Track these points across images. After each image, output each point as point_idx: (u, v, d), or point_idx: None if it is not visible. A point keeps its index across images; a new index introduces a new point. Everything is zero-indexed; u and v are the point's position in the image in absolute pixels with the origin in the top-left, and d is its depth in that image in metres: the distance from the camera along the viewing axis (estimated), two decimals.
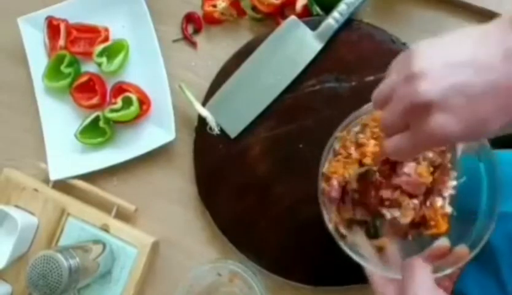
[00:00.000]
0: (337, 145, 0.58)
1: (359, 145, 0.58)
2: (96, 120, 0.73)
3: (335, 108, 0.68)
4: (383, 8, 0.71)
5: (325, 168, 0.58)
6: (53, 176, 0.74)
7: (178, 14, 0.75)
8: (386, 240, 0.57)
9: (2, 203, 0.72)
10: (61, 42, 0.75)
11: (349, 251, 0.55)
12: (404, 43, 0.68)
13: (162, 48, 0.73)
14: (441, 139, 0.39)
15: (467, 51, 0.38)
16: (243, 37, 0.73)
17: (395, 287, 0.50)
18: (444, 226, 0.55)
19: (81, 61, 0.76)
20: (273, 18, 0.72)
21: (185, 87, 0.72)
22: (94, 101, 0.74)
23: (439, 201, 0.55)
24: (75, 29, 0.75)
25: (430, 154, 0.55)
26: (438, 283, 0.51)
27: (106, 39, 0.75)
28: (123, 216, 0.73)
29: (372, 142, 0.56)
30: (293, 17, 0.70)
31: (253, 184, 0.69)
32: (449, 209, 0.56)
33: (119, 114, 0.71)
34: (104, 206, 0.73)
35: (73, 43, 0.76)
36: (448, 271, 0.51)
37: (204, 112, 0.70)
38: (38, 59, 0.77)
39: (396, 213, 0.55)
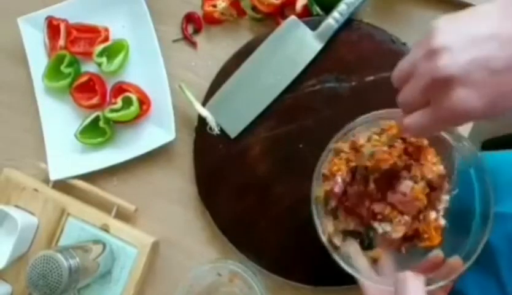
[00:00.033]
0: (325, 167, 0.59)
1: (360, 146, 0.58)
2: (96, 120, 0.73)
3: (335, 108, 0.68)
4: (383, 8, 0.71)
5: (326, 168, 0.59)
6: (53, 176, 0.74)
7: (178, 14, 0.75)
8: (380, 251, 0.57)
9: (2, 203, 0.72)
10: (61, 42, 0.75)
11: (342, 263, 0.55)
12: (404, 43, 0.68)
13: (162, 48, 0.73)
14: (462, 115, 0.38)
15: (492, 24, 0.38)
16: (243, 37, 0.73)
17: None
18: (437, 239, 0.55)
19: (81, 61, 0.76)
20: (273, 18, 0.72)
21: (185, 87, 0.72)
22: (94, 101, 0.74)
23: (432, 215, 0.55)
24: (75, 29, 0.75)
25: (430, 175, 0.55)
26: (432, 293, 0.51)
27: (106, 39, 0.75)
28: (123, 216, 0.73)
29: (381, 147, 0.55)
30: (293, 17, 0.70)
31: (253, 184, 0.69)
32: (442, 221, 0.56)
33: (119, 114, 0.71)
34: (104, 206, 0.73)
35: (73, 43, 0.76)
36: (442, 283, 0.51)
37: (204, 112, 0.70)
38: (38, 59, 0.77)
39: (388, 228, 0.55)
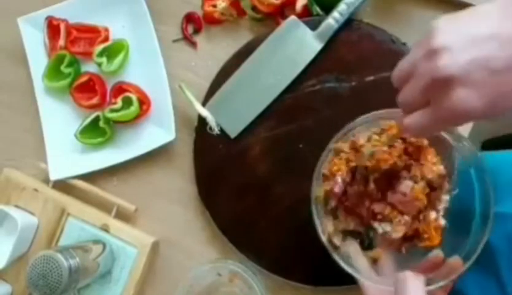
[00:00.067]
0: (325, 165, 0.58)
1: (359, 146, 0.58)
2: (96, 120, 0.73)
3: (335, 108, 0.68)
4: (383, 8, 0.71)
5: (326, 168, 0.59)
6: (53, 176, 0.74)
7: (178, 14, 0.75)
8: (380, 251, 0.57)
9: (2, 203, 0.72)
10: (61, 42, 0.75)
11: (342, 263, 0.55)
12: (404, 43, 0.68)
13: (162, 48, 0.73)
14: (462, 115, 0.38)
15: (492, 24, 0.38)
16: (243, 37, 0.73)
17: None
18: (437, 239, 0.55)
19: (81, 61, 0.76)
20: (273, 18, 0.72)
21: (185, 87, 0.72)
22: (94, 101, 0.74)
23: (432, 215, 0.55)
24: (75, 29, 0.75)
25: (430, 175, 0.55)
26: (432, 293, 0.51)
27: (106, 39, 0.75)
28: (123, 216, 0.73)
29: (381, 147, 0.55)
30: (293, 17, 0.70)
31: (253, 184, 0.69)
32: (442, 221, 0.56)
33: (119, 114, 0.71)
34: (104, 206, 0.73)
35: (73, 43, 0.76)
36: (442, 283, 0.51)
37: (204, 112, 0.70)
38: (38, 59, 0.77)
39: (388, 228, 0.55)
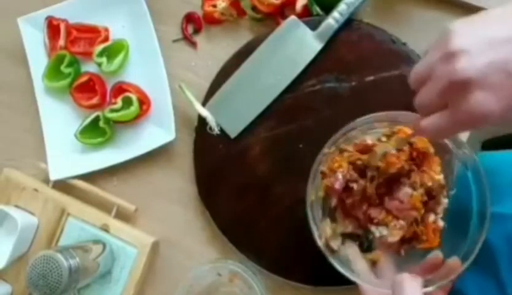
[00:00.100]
0: (324, 165, 0.58)
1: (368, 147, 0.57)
2: (96, 120, 0.73)
3: (335, 108, 0.68)
4: (383, 8, 0.71)
5: (325, 166, 0.58)
6: (53, 176, 0.74)
7: (178, 14, 0.75)
8: (379, 253, 0.57)
9: (2, 203, 0.72)
10: (61, 42, 0.75)
11: (340, 267, 0.55)
12: (404, 43, 0.68)
13: (162, 48, 0.73)
14: (480, 118, 0.38)
15: (508, 28, 0.38)
16: (243, 37, 0.73)
17: None
18: (436, 240, 0.55)
19: (81, 61, 0.76)
20: (273, 18, 0.72)
21: (185, 87, 0.72)
22: (94, 101, 0.74)
23: (431, 217, 0.56)
24: (75, 29, 0.75)
25: (430, 183, 0.54)
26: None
27: (106, 39, 0.75)
28: (123, 216, 0.73)
29: (391, 150, 0.55)
30: (293, 17, 0.70)
31: (253, 184, 0.69)
32: (441, 223, 0.56)
33: (119, 114, 0.71)
34: (104, 206, 0.73)
35: (73, 43, 0.76)
36: (440, 284, 0.51)
37: (204, 112, 0.70)
38: (38, 59, 0.77)
39: (384, 231, 0.55)
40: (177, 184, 0.73)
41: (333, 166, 0.58)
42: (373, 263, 0.57)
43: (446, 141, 0.56)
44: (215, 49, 0.74)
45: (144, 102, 0.73)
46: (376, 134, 0.59)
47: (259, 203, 0.69)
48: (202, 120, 0.71)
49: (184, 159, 0.73)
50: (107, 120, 0.73)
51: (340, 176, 0.57)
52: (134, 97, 0.71)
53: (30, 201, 0.72)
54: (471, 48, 0.38)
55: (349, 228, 0.58)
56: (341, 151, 0.58)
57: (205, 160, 0.71)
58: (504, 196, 0.54)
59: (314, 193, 0.59)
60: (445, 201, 0.56)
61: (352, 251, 0.57)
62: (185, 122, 0.73)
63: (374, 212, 0.56)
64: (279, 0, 0.70)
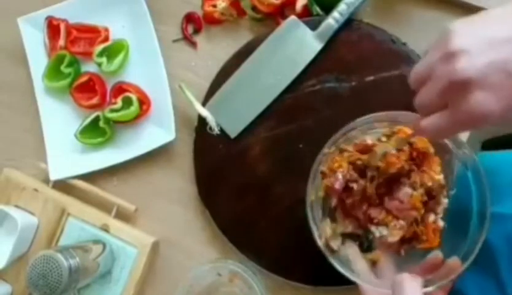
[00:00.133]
0: (324, 165, 0.58)
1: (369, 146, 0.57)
2: (96, 120, 0.73)
3: (335, 108, 0.68)
4: (383, 8, 0.71)
5: (325, 166, 0.58)
6: (53, 176, 0.74)
7: (178, 14, 0.75)
8: (380, 253, 0.57)
9: (2, 203, 0.72)
10: (61, 42, 0.75)
11: (340, 267, 0.55)
12: (404, 43, 0.68)
13: (162, 48, 0.73)
14: (480, 118, 0.38)
15: (508, 28, 0.38)
16: (243, 37, 0.73)
17: None
18: (436, 240, 0.55)
19: (81, 61, 0.76)
20: (273, 18, 0.72)
21: (185, 87, 0.72)
22: (94, 101, 0.74)
23: (431, 217, 0.55)
24: (75, 29, 0.75)
25: (430, 183, 0.54)
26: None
27: (106, 39, 0.75)
28: (123, 216, 0.73)
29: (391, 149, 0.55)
30: (293, 17, 0.70)
31: (253, 184, 0.69)
32: (441, 223, 0.56)
33: (119, 114, 0.71)
34: (104, 206, 0.73)
35: (73, 43, 0.76)
36: (440, 283, 0.51)
37: (204, 112, 0.70)
38: (38, 59, 0.77)
39: (384, 231, 0.55)
40: (177, 184, 0.73)
41: (333, 166, 0.58)
42: (373, 263, 0.57)
43: (446, 141, 0.56)
44: (215, 49, 0.74)
45: (144, 102, 0.73)
46: (376, 134, 0.59)
47: (259, 203, 0.69)
48: (202, 120, 0.71)
49: (184, 159, 0.73)
50: (107, 120, 0.73)
51: (340, 176, 0.57)
52: (134, 97, 0.71)
53: (30, 201, 0.72)
54: (471, 48, 0.38)
55: (349, 228, 0.58)
56: (341, 151, 0.58)
57: (205, 160, 0.71)
58: (504, 196, 0.54)
59: (314, 193, 0.59)
60: (445, 201, 0.56)
61: (352, 251, 0.57)
62: (185, 122, 0.73)
63: (374, 212, 0.56)
64: (279, 0, 0.70)
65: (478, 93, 0.38)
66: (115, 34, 0.76)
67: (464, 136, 0.62)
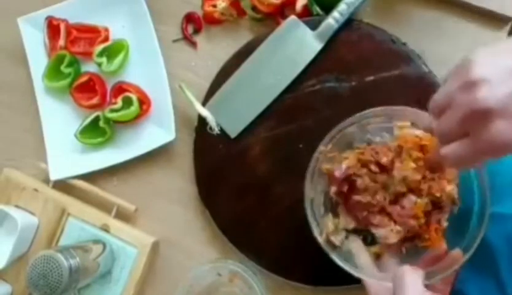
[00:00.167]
0: (323, 163, 0.58)
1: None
2: (96, 120, 0.73)
3: (335, 108, 0.68)
4: (383, 8, 0.71)
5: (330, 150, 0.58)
6: (53, 176, 0.74)
7: (178, 14, 0.75)
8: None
9: (2, 203, 0.72)
10: (61, 42, 0.75)
11: (341, 263, 0.55)
12: (404, 43, 0.68)
13: (162, 48, 0.73)
14: (501, 147, 0.39)
15: None
16: (243, 37, 0.73)
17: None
18: (438, 239, 0.55)
19: (81, 61, 0.76)
20: (273, 18, 0.72)
21: (185, 87, 0.72)
22: (94, 101, 0.74)
23: (434, 217, 0.55)
24: (75, 29, 0.75)
25: (438, 194, 0.54)
26: (434, 286, 0.51)
27: (106, 39, 0.75)
28: (123, 216, 0.73)
29: (410, 165, 0.54)
30: (293, 17, 0.70)
31: (253, 184, 0.69)
32: (444, 224, 0.55)
33: (119, 113, 0.71)
34: (104, 206, 0.73)
35: (73, 43, 0.76)
36: (444, 274, 0.51)
37: (204, 112, 0.70)
38: (38, 59, 0.77)
39: (382, 233, 0.55)
40: (177, 184, 0.73)
41: (342, 157, 0.57)
42: (378, 257, 0.57)
43: None
44: (215, 49, 0.74)
45: (144, 102, 0.73)
46: (378, 136, 0.59)
47: (259, 203, 0.69)
48: (202, 120, 0.71)
49: (184, 159, 0.73)
50: (107, 120, 0.73)
51: (343, 166, 0.56)
52: (134, 97, 0.71)
53: (30, 201, 0.72)
54: (492, 77, 0.38)
55: (352, 224, 0.58)
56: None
57: (205, 160, 0.71)
58: (504, 196, 0.54)
59: (313, 191, 0.58)
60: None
61: (355, 244, 0.57)
62: (185, 122, 0.73)
63: (372, 217, 0.56)
64: (279, 0, 0.70)
65: (499, 122, 0.38)
66: (115, 34, 0.76)
67: None
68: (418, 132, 0.56)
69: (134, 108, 0.71)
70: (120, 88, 0.73)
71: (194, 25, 0.76)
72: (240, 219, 0.69)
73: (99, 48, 0.73)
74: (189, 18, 0.75)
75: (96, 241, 0.70)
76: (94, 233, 0.71)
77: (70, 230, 0.72)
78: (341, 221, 0.58)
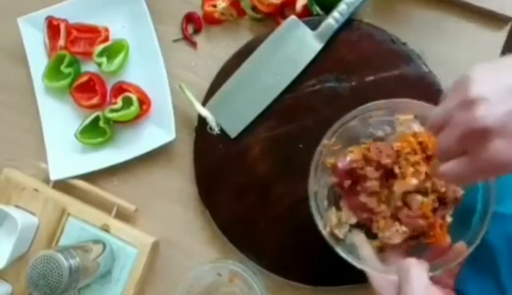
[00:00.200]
0: (325, 156, 0.58)
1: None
2: (96, 120, 0.73)
3: (335, 108, 0.68)
4: (383, 8, 0.71)
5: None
6: (53, 176, 0.74)
7: (178, 14, 0.75)
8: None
9: (2, 203, 0.72)
10: (61, 42, 0.75)
11: (345, 256, 0.55)
12: (404, 43, 0.68)
13: (162, 48, 0.73)
14: (500, 166, 0.38)
15: None
16: (243, 37, 0.73)
17: (395, 287, 0.50)
18: (443, 236, 0.54)
19: (81, 61, 0.76)
20: (273, 18, 0.72)
21: (185, 87, 0.72)
22: (94, 101, 0.74)
23: (440, 213, 0.55)
24: (75, 29, 0.75)
25: (443, 189, 0.54)
26: (439, 279, 0.51)
27: (106, 39, 0.75)
28: (123, 216, 0.73)
29: (410, 170, 0.54)
30: (293, 17, 0.70)
31: (253, 184, 0.69)
32: (449, 219, 0.55)
33: (119, 113, 0.71)
34: (104, 206, 0.73)
35: (73, 43, 0.76)
36: (447, 266, 0.51)
37: (204, 112, 0.70)
38: (38, 59, 0.77)
39: (386, 234, 0.55)
40: (177, 184, 0.73)
41: (348, 151, 0.57)
42: (380, 250, 0.57)
43: None
44: (215, 49, 0.74)
45: (144, 102, 0.73)
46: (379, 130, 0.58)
47: (259, 203, 0.69)
48: (202, 120, 0.71)
49: (184, 159, 0.73)
50: (107, 120, 0.73)
51: (348, 159, 0.56)
52: (134, 97, 0.71)
53: (30, 201, 0.72)
54: (491, 96, 0.38)
55: (354, 219, 0.58)
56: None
57: (205, 160, 0.71)
58: (505, 196, 0.54)
59: (317, 184, 0.58)
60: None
61: (358, 238, 0.57)
62: (185, 122, 0.73)
63: (375, 219, 0.56)
64: (279, 0, 0.70)
65: (498, 142, 0.37)
66: (115, 34, 0.76)
67: None
68: (417, 128, 0.56)
69: (134, 108, 0.71)
70: (120, 88, 0.73)
71: (194, 25, 0.76)
72: (240, 219, 0.69)
73: (99, 48, 0.73)
74: (189, 18, 0.75)
75: (96, 241, 0.70)
76: (94, 233, 0.71)
77: (70, 230, 0.72)
78: (344, 215, 0.58)
